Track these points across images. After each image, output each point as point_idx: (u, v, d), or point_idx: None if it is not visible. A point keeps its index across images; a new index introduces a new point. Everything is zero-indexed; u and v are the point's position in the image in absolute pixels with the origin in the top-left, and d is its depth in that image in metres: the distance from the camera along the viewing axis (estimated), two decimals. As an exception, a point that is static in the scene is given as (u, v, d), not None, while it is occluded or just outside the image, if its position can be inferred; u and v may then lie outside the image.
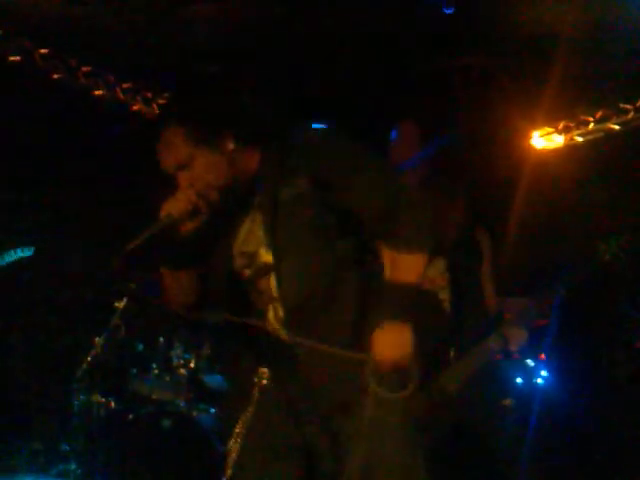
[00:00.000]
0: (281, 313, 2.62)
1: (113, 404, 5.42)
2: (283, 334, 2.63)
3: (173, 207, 2.53)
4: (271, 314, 2.66)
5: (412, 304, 2.47)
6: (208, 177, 2.54)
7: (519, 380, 5.93)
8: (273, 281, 2.61)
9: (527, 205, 5.95)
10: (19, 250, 5.08)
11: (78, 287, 5.97)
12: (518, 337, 3.52)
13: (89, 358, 5.48)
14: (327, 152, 2.59)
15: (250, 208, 2.64)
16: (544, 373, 5.96)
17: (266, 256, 2.60)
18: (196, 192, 2.53)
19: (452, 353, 3.54)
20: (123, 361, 5.55)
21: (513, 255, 4.89)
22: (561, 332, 5.68)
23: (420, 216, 2.52)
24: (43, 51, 5.54)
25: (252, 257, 2.64)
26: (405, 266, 2.48)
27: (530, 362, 6.03)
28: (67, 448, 5.31)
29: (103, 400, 5.39)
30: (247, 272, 2.66)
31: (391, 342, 2.43)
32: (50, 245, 5.90)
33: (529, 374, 5.97)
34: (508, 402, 3.58)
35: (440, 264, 3.62)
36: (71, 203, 6.00)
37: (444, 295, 3.61)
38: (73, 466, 5.18)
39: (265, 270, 2.61)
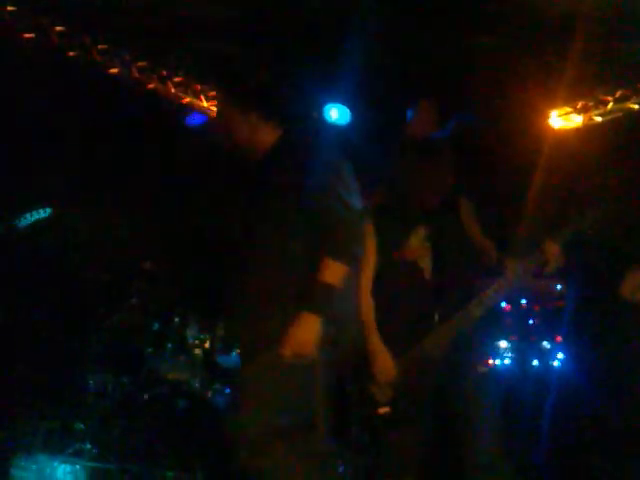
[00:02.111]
0: None
1: (128, 384, 5.43)
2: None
3: None
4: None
5: (329, 302, 2.93)
6: None
7: (535, 362, 5.93)
8: None
9: (544, 185, 5.90)
10: (38, 211, 5.04)
11: (95, 266, 5.95)
12: (557, 255, 3.48)
13: (105, 337, 5.51)
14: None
15: None
16: (560, 355, 5.95)
17: None
18: None
19: (436, 318, 3.54)
20: (139, 340, 5.55)
21: (529, 235, 4.86)
22: (578, 314, 5.65)
23: (356, 235, 3.02)
24: (59, 29, 5.48)
25: None
26: (332, 271, 2.93)
27: (546, 344, 6.02)
28: (82, 428, 5.30)
29: (118, 380, 5.41)
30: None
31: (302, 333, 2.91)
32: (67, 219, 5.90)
33: (545, 357, 5.97)
34: (484, 370, 3.56)
35: (421, 233, 3.64)
36: (84, 181, 5.97)
37: (424, 264, 3.61)
38: (88, 446, 5.17)
39: None
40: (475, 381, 3.56)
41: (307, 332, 2.90)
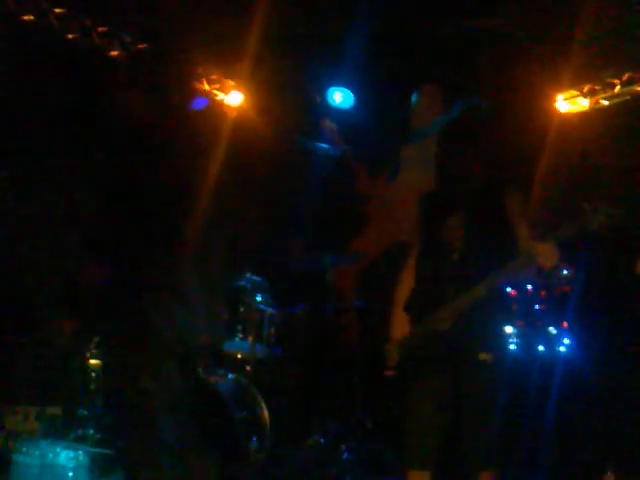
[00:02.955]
0: None
1: (132, 369, 5.39)
2: None
3: None
4: None
5: None
6: None
7: (541, 348, 5.90)
8: None
9: (551, 169, 5.86)
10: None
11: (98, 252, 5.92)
12: (550, 253, 3.44)
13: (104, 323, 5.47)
14: None
15: None
16: (567, 341, 5.93)
17: None
18: None
19: (453, 289, 3.67)
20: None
21: (535, 220, 4.85)
22: (584, 300, 5.62)
23: None
24: (58, 11, 5.43)
25: None
26: None
27: (553, 330, 5.99)
28: (85, 413, 5.28)
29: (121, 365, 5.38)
30: None
31: None
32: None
33: (552, 342, 5.94)
34: (486, 357, 3.56)
35: (460, 216, 3.71)
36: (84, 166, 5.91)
37: (457, 245, 3.68)
38: (91, 431, 5.16)
39: None
40: (474, 369, 3.58)
41: None
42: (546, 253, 3.44)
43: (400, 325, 3.82)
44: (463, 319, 3.57)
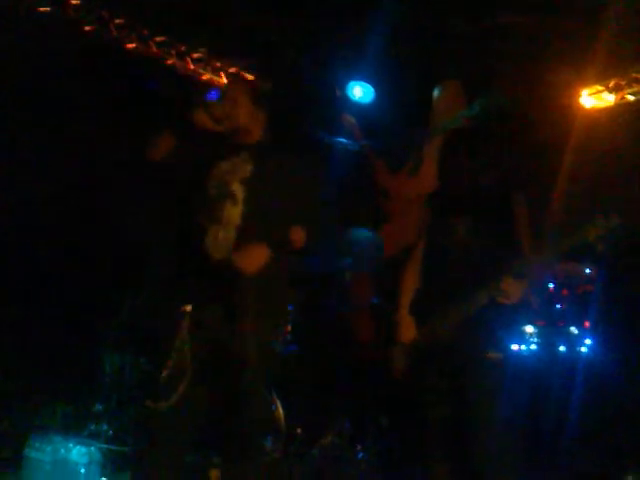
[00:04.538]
0: (220, 235, 3.30)
1: (145, 365, 5.37)
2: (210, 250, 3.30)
3: None
4: (210, 235, 3.31)
5: None
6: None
7: (562, 348, 5.81)
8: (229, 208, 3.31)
9: (575, 166, 5.77)
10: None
11: (113, 247, 5.89)
12: (515, 290, 3.43)
13: (120, 318, 5.45)
14: None
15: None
16: (588, 341, 5.83)
17: (236, 187, 3.33)
18: None
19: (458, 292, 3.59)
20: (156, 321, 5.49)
21: (557, 216, 4.78)
22: (606, 301, 5.52)
23: None
24: (75, 2, 5.40)
25: (223, 183, 3.34)
26: None
27: (574, 330, 5.90)
28: (99, 409, 5.26)
29: (135, 360, 5.36)
30: (213, 191, 3.34)
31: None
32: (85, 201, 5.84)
33: (573, 342, 5.85)
34: (495, 355, 3.50)
35: (463, 221, 3.67)
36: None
37: (459, 253, 3.65)
38: (104, 427, 5.14)
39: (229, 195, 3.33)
40: (482, 368, 3.52)
41: None
42: (510, 289, 3.41)
43: (406, 328, 3.76)
44: (469, 322, 3.51)
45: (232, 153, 3.43)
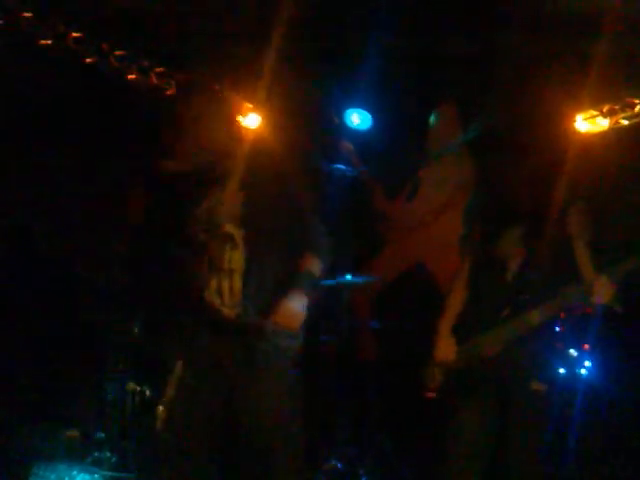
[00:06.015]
0: (225, 285, 3.06)
1: (148, 392, 5.38)
2: (218, 303, 3.07)
3: None
4: (213, 285, 3.08)
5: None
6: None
7: (562, 370, 5.81)
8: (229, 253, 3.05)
9: (569, 190, 5.79)
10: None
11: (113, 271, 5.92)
12: (607, 290, 3.34)
13: (123, 345, 5.47)
14: None
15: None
16: (587, 364, 5.83)
17: (230, 228, 3.05)
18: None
19: (505, 312, 3.54)
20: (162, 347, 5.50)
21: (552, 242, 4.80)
22: (605, 323, 5.54)
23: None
24: (76, 35, 5.47)
25: (213, 224, 3.03)
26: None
27: (573, 352, 5.90)
28: (102, 436, 5.27)
29: (138, 388, 5.37)
30: (202, 236, 3.07)
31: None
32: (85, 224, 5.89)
33: (572, 364, 5.85)
34: (539, 387, 3.49)
35: (516, 234, 3.63)
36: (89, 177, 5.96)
37: (514, 264, 3.60)
38: (108, 454, 5.14)
39: (224, 239, 3.04)
40: (526, 399, 3.50)
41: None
42: (602, 288, 3.34)
43: (445, 347, 3.69)
44: (514, 345, 3.46)
45: (214, 187, 3.10)
